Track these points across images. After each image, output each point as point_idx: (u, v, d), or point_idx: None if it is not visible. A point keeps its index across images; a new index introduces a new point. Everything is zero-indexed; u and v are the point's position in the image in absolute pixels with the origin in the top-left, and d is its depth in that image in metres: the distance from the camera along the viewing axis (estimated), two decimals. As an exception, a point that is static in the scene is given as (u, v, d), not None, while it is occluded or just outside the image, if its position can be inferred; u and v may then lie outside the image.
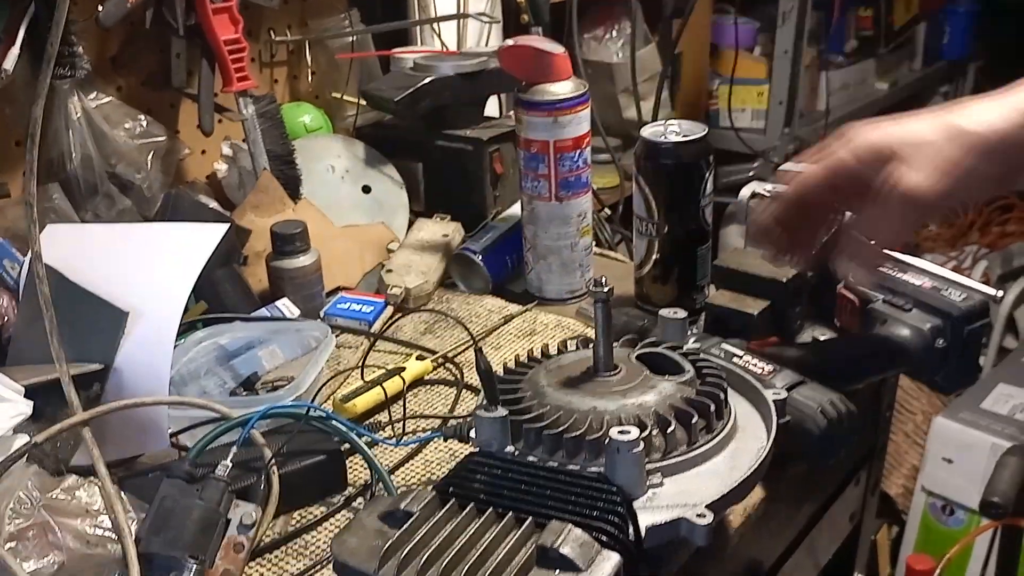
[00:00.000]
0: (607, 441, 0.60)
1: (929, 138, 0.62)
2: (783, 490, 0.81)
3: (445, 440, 0.85)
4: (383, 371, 0.96)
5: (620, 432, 0.60)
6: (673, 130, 0.97)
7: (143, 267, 0.91)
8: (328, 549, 0.74)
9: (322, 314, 1.09)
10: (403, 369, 0.96)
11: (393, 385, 0.93)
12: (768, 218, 0.72)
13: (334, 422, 0.80)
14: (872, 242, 0.66)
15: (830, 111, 2.20)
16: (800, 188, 0.69)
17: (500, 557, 0.54)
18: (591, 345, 0.73)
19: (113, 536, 0.64)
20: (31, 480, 0.64)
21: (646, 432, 0.63)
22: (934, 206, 0.62)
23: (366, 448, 0.79)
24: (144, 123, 1.10)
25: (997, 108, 0.61)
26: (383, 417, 0.90)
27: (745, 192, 0.99)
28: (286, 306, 1.06)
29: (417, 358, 1.00)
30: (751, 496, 0.73)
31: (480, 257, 1.14)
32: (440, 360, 1.01)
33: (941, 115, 0.63)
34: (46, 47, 0.87)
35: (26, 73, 0.96)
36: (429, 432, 0.84)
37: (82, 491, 0.65)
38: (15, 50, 0.88)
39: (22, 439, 0.69)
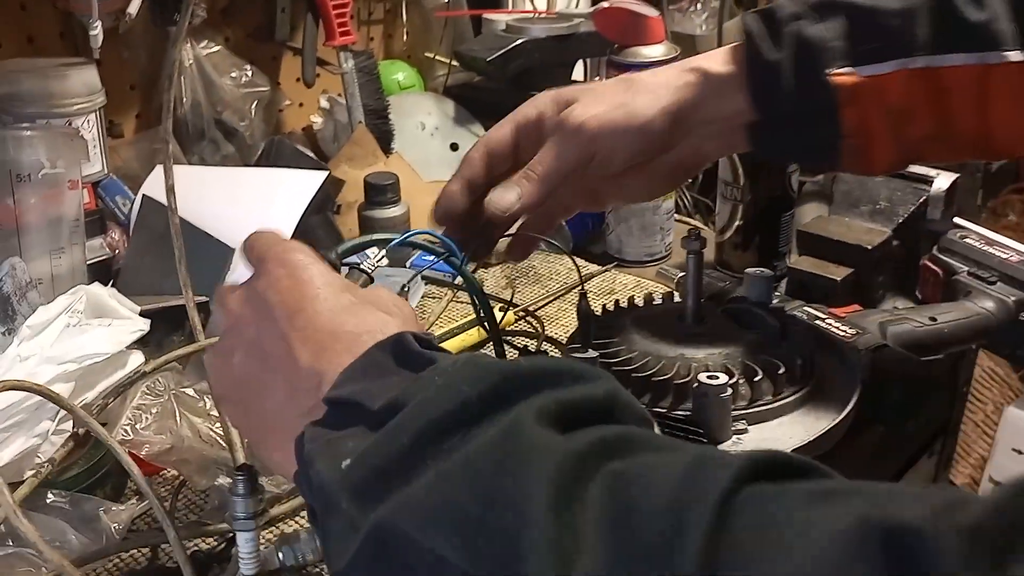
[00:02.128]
0: (695, 385, 0.63)
1: (603, 84, 0.67)
2: (858, 453, 0.83)
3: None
4: (468, 319, 0.99)
5: (709, 377, 0.62)
6: (765, 96, 0.98)
7: (248, 208, 0.96)
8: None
9: (408, 264, 1.13)
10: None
11: (478, 333, 0.96)
12: (455, 179, 0.67)
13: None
14: (537, 176, 0.64)
15: (916, 93, 2.16)
16: (483, 145, 0.67)
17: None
18: (676, 299, 0.75)
19: (224, 445, 0.69)
20: (169, 373, 0.69)
21: (733, 380, 0.65)
22: (593, 135, 0.63)
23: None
24: (249, 73, 1.14)
25: (665, 67, 0.67)
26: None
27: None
28: (375, 255, 1.10)
29: (500, 310, 1.03)
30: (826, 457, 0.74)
31: (563, 217, 1.16)
32: (522, 313, 1.04)
33: (621, 75, 0.68)
34: (169, -6, 0.91)
35: (144, 19, 1.01)
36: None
37: (210, 398, 0.71)
38: (138, -4, 0.93)
39: (138, 357, 0.74)
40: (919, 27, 0.61)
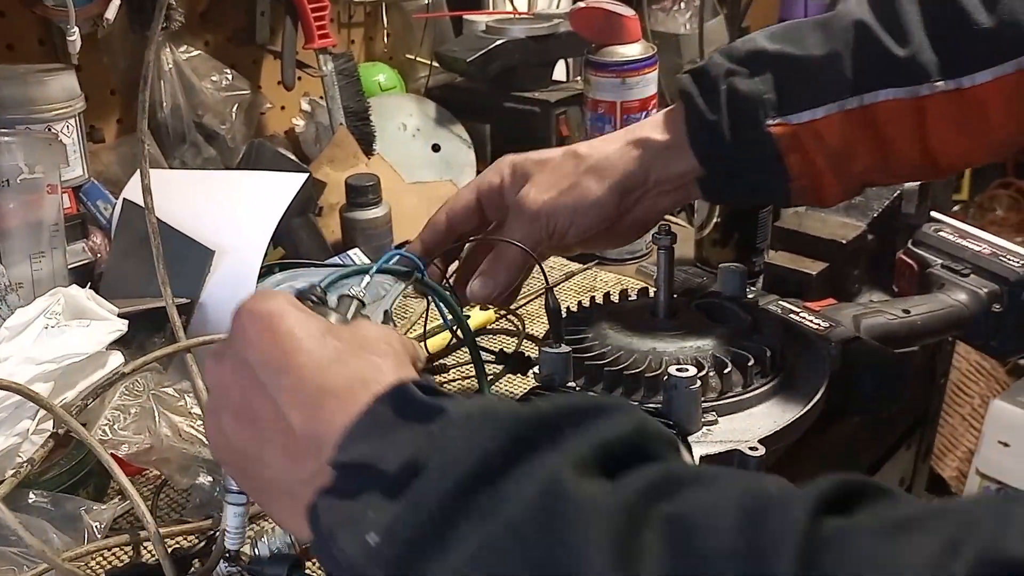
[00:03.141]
0: (665, 378, 0.64)
1: (555, 159, 0.70)
2: (834, 446, 0.84)
3: (499, 364, 0.87)
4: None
5: (678, 369, 0.63)
6: (739, 93, 0.99)
7: (228, 211, 0.96)
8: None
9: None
10: (468, 316, 1.00)
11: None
12: (416, 242, 0.74)
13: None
14: (505, 264, 0.70)
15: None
16: (447, 210, 0.73)
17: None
18: (651, 294, 0.76)
19: (205, 441, 0.70)
20: (149, 374, 0.70)
21: (703, 372, 0.66)
22: (547, 218, 0.69)
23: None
24: (229, 77, 1.15)
25: (612, 137, 0.71)
26: (448, 361, 0.94)
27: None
28: (357, 255, 1.11)
29: (480, 308, 1.04)
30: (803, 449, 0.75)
31: (544, 216, 1.17)
32: (502, 312, 1.05)
33: (572, 146, 0.71)
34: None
35: (123, 24, 1.02)
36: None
37: (190, 397, 0.71)
38: (116, 1, 0.93)
39: (117, 357, 0.75)
40: (846, 69, 0.63)
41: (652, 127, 0.69)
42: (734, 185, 0.67)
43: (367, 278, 0.66)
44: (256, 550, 0.64)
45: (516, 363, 0.78)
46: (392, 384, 0.42)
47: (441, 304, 0.77)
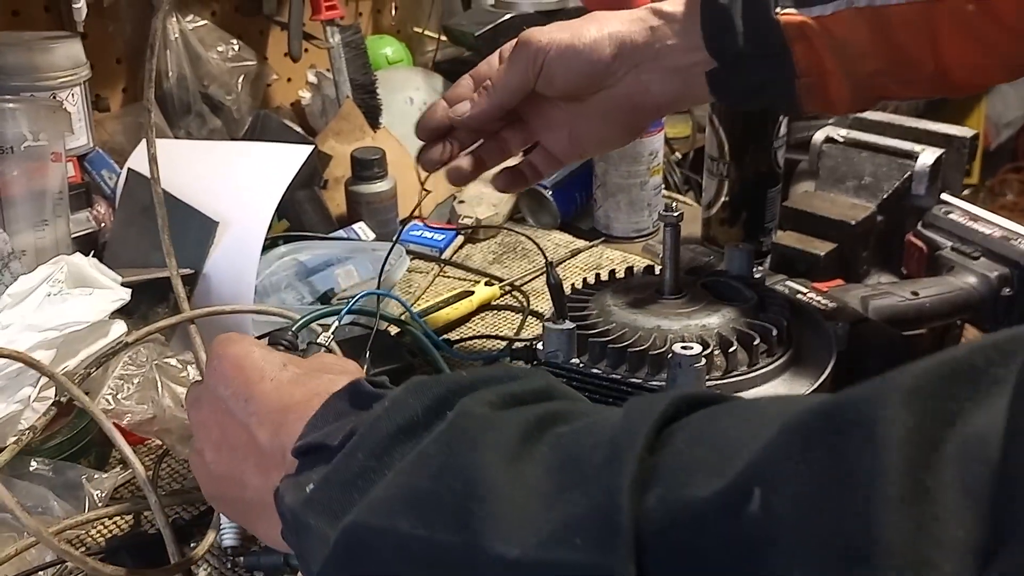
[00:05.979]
0: (670, 356, 0.63)
1: (573, 21, 0.71)
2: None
3: (511, 361, 0.88)
4: (453, 293, 0.99)
5: (683, 347, 0.62)
6: (750, 70, 0.98)
7: (232, 182, 0.95)
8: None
9: (395, 238, 1.13)
10: (472, 292, 1.00)
11: (463, 307, 0.97)
12: (440, 100, 0.76)
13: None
14: (488, 87, 0.72)
15: (911, 71, 2.15)
16: (474, 70, 0.76)
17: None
18: (657, 272, 0.76)
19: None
20: (151, 344, 0.69)
21: (708, 350, 0.65)
22: (538, 50, 0.68)
23: (439, 356, 0.83)
24: (236, 47, 1.14)
25: (632, 9, 0.71)
26: (453, 336, 0.94)
27: (819, 136, 1.00)
28: (362, 229, 1.10)
29: (486, 284, 1.03)
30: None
31: (550, 192, 1.17)
32: (508, 288, 1.05)
33: None
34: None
35: (129, -8, 1.01)
36: (496, 351, 0.88)
37: (192, 368, 0.71)
38: (122, -32, 0.93)
39: (120, 326, 0.75)
40: None
41: (671, 3, 0.69)
42: (740, 78, 0.67)
43: (335, 325, 0.71)
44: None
45: (526, 356, 0.77)
46: (348, 382, 0.46)
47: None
